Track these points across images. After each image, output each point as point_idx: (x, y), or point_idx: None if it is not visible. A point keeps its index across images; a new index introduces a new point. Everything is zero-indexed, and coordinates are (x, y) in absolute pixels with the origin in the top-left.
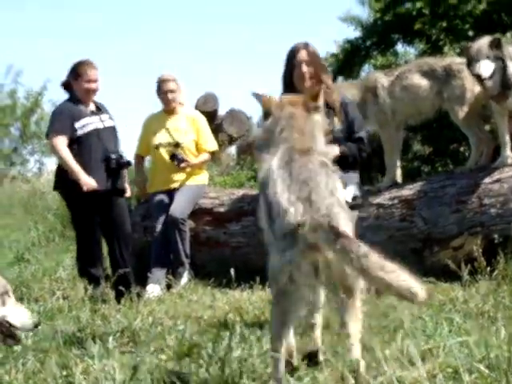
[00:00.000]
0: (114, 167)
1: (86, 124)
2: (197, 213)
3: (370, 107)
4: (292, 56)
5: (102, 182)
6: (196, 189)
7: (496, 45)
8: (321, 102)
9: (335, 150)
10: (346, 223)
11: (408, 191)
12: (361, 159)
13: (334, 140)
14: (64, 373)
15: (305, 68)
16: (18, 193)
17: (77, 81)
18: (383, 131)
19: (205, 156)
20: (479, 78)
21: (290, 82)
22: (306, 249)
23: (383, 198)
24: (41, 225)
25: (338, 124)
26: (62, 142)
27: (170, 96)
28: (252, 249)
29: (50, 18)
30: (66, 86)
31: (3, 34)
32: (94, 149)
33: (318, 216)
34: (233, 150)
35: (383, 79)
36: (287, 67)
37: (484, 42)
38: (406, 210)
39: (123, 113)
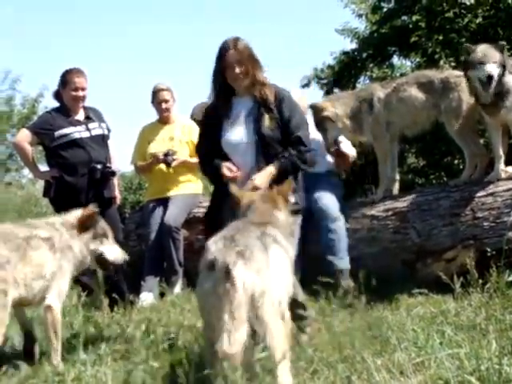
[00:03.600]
0: (98, 178)
1: (68, 133)
2: (191, 222)
3: (365, 118)
4: (222, 56)
5: (85, 192)
6: (190, 198)
7: (501, 49)
8: (290, 200)
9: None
10: (256, 264)
11: (402, 203)
12: (303, 163)
13: (265, 142)
14: (56, 379)
15: (237, 69)
16: (13, 199)
17: (65, 89)
18: (377, 142)
19: None
20: (483, 82)
21: (224, 82)
22: (215, 283)
23: (377, 210)
24: None
25: (267, 123)
26: (25, 136)
27: (164, 106)
28: None
29: (48, 23)
30: (57, 95)
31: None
32: (76, 158)
33: (232, 251)
34: None
35: (379, 91)
36: (218, 67)
37: (488, 46)
38: (400, 223)
39: (120, 122)
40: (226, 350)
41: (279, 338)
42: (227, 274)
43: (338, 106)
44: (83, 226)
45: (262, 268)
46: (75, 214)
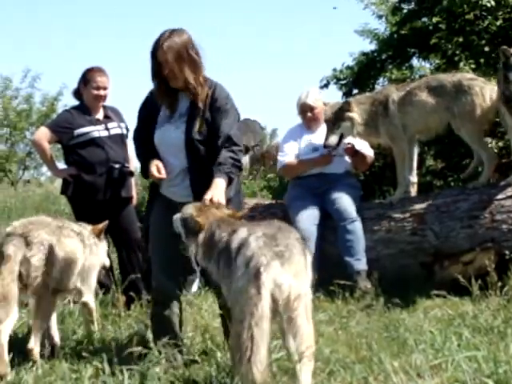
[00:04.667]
0: (115, 177)
1: (87, 132)
2: None
3: (381, 120)
4: (154, 55)
5: (102, 191)
6: None
7: None
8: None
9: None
10: (295, 266)
11: (420, 205)
12: (239, 162)
13: (193, 145)
14: (73, 376)
15: (166, 70)
16: (31, 196)
17: (86, 87)
18: (394, 144)
19: None
20: None
21: (163, 80)
22: (247, 282)
23: (395, 212)
24: None
25: (198, 126)
26: (44, 134)
27: None
28: None
29: (69, 23)
30: (77, 93)
31: (22, 38)
32: (94, 157)
33: (270, 250)
34: (246, 159)
35: (394, 93)
36: (153, 64)
37: None
38: (418, 224)
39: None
40: (254, 380)
41: (310, 341)
42: (257, 276)
43: (359, 112)
44: (99, 235)
45: (301, 271)
46: (93, 226)
